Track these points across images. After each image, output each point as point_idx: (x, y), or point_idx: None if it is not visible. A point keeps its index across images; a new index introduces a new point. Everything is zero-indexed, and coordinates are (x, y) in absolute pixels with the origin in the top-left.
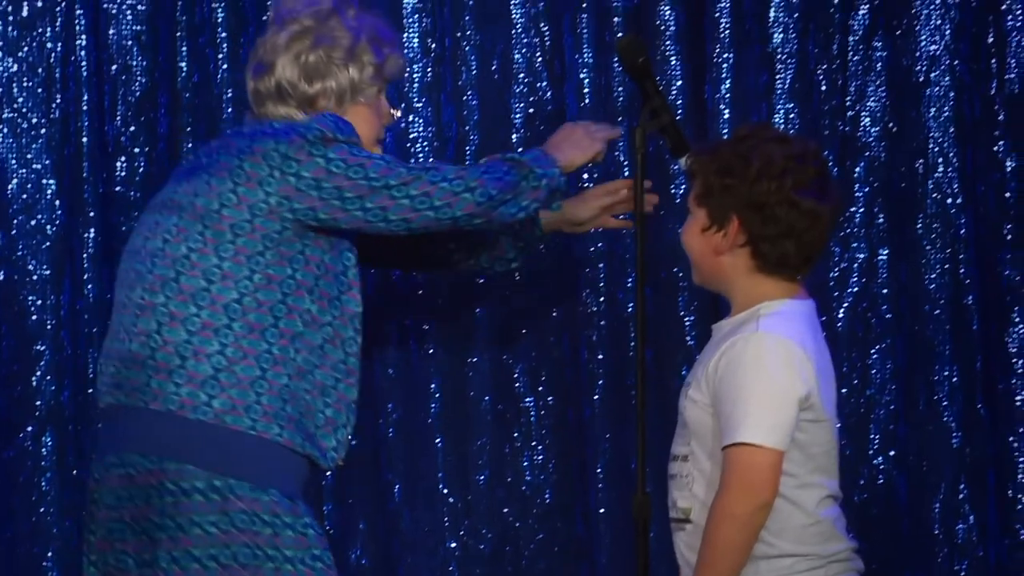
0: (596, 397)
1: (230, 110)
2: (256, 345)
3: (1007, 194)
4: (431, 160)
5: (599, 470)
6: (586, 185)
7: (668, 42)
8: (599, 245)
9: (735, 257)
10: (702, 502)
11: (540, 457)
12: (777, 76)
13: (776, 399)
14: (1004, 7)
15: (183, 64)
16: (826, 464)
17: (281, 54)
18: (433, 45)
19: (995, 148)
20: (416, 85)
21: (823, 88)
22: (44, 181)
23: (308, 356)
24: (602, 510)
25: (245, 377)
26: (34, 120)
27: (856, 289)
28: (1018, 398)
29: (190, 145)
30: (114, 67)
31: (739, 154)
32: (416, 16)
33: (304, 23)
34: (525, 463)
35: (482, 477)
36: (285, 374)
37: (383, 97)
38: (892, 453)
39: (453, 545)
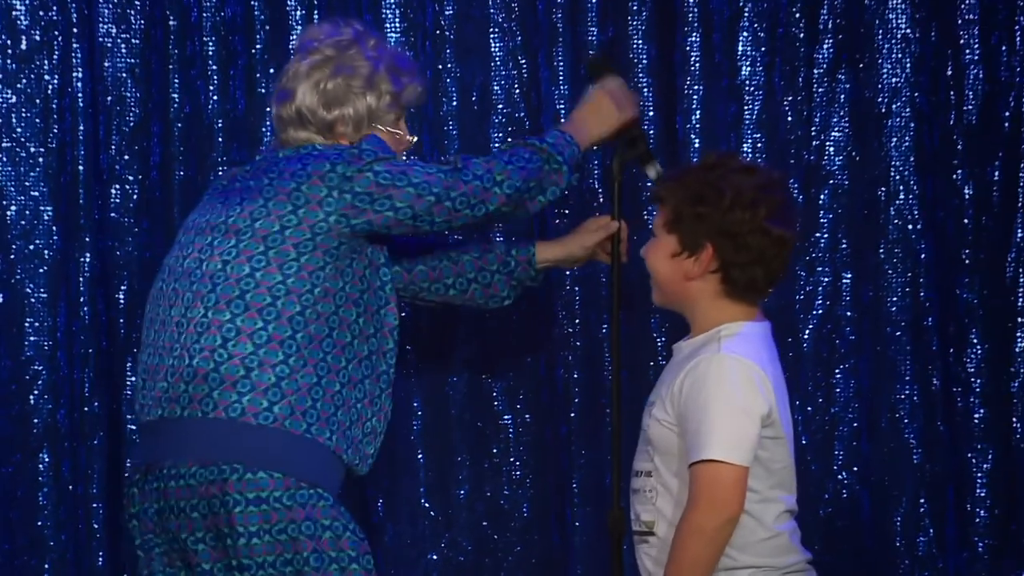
0: (572, 415)
1: (220, 139)
2: (315, 354)
3: (965, 220)
4: (456, 155)
5: (575, 485)
6: (561, 222)
7: (641, 74)
8: (575, 269)
9: (704, 282)
10: (666, 516)
11: (518, 473)
12: (745, 107)
13: (739, 417)
14: (962, 42)
15: (175, 96)
16: (785, 479)
17: (302, 81)
18: None
19: (954, 176)
20: None
21: (789, 119)
22: (41, 207)
23: (357, 366)
24: (577, 523)
25: (304, 384)
26: (32, 149)
27: (821, 311)
28: (976, 416)
29: (182, 173)
30: (109, 98)
31: (710, 183)
32: (400, 49)
33: (325, 52)
34: (503, 478)
35: (462, 492)
36: (338, 382)
37: (401, 123)
38: (856, 469)
39: (434, 557)
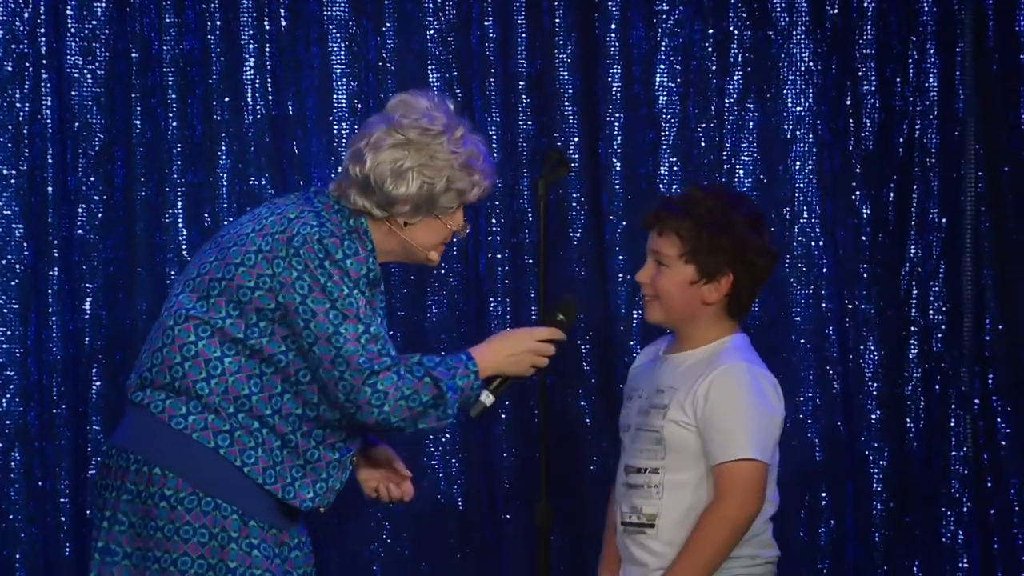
0: (503, 416)
1: (179, 163)
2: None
3: (863, 238)
4: (389, 355)
5: (506, 483)
6: (493, 239)
7: (567, 103)
8: (506, 282)
9: (715, 304)
10: (674, 510)
11: (455, 470)
12: (662, 134)
13: (768, 420)
14: (860, 74)
15: (137, 122)
16: (775, 478)
17: (379, 153)
18: (359, 106)
19: (853, 197)
20: (344, 141)
21: (702, 144)
22: (13, 226)
23: (300, 415)
24: (507, 516)
25: (230, 412)
26: (4, 172)
27: None
28: (873, 417)
29: (143, 194)
30: (76, 124)
31: (720, 213)
32: (344, 80)
33: (410, 136)
34: (441, 474)
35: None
36: (271, 425)
37: (458, 214)
38: None
39: (375, 546)
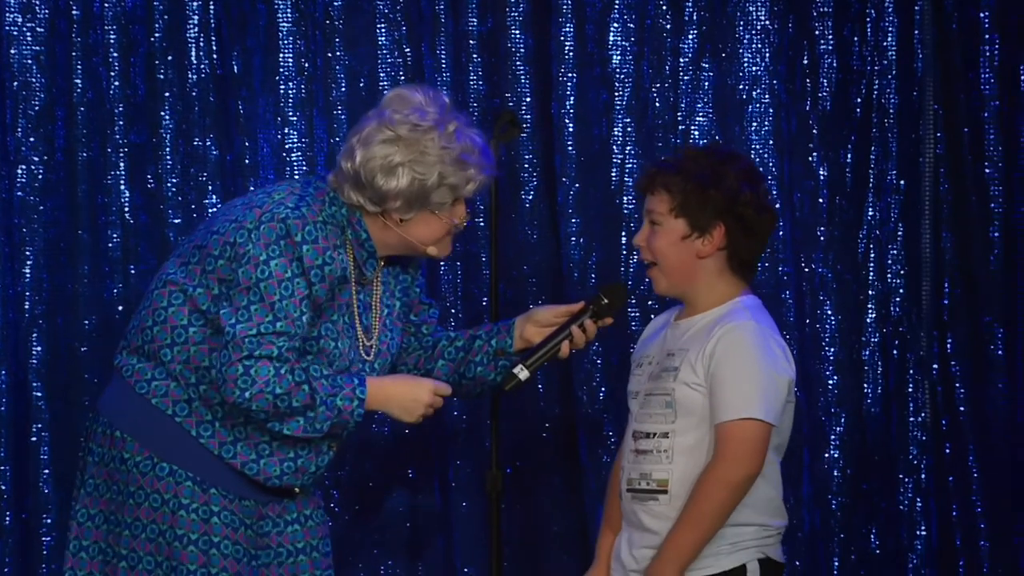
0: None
1: (121, 123)
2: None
3: (820, 200)
4: (279, 349)
5: (456, 449)
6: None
7: (518, 63)
8: (457, 246)
9: (711, 260)
10: (684, 474)
11: (403, 435)
12: (616, 94)
13: (774, 379)
14: (817, 33)
15: (78, 82)
16: (784, 444)
17: (369, 148)
18: (306, 65)
19: (810, 159)
20: (291, 101)
21: (657, 105)
22: None
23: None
24: (453, 484)
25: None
26: None
27: None
28: (830, 383)
29: (85, 155)
30: (15, 84)
31: (711, 167)
32: (290, 39)
33: (400, 132)
34: (390, 439)
35: (348, 454)
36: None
37: (457, 207)
38: None
39: (319, 512)
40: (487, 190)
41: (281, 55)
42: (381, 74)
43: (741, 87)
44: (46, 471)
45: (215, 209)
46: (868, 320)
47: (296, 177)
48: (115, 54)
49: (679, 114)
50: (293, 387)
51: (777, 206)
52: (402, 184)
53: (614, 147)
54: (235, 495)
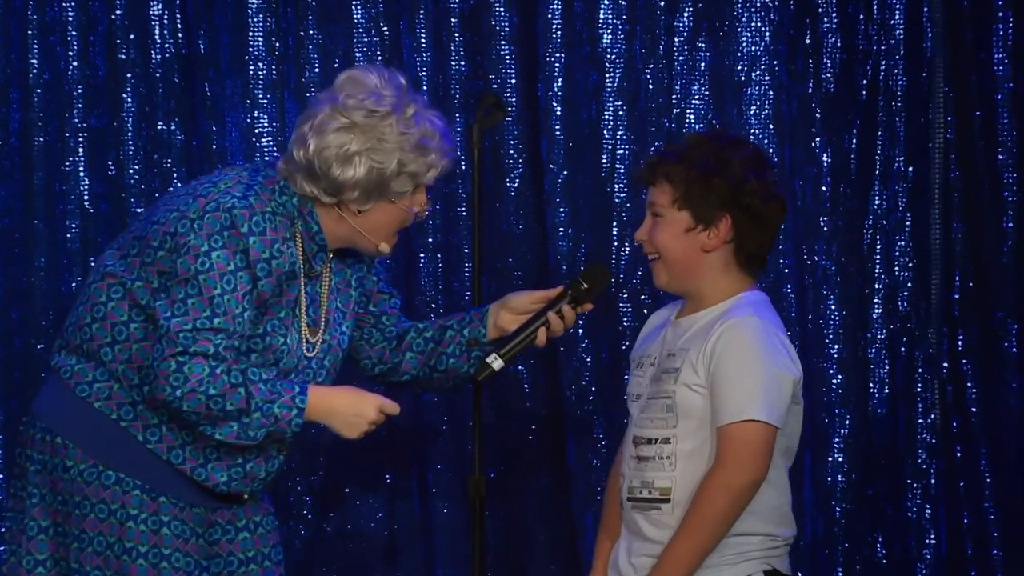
0: None
1: (80, 106)
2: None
3: (823, 188)
4: (216, 347)
5: (437, 453)
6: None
7: (503, 43)
8: (437, 236)
9: (718, 253)
10: (686, 481)
11: (382, 438)
12: (606, 75)
13: (777, 379)
14: (820, 10)
15: (34, 61)
16: (792, 448)
17: (323, 137)
18: (277, 44)
19: (812, 144)
20: (261, 83)
21: (650, 87)
22: None
23: None
24: (434, 489)
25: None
26: None
27: None
28: (834, 382)
29: (41, 139)
30: None
31: (716, 156)
32: (261, 16)
33: (354, 118)
34: (367, 443)
35: (323, 459)
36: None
37: (417, 196)
38: None
39: (295, 524)
40: (468, 177)
41: (250, 33)
42: (357, 54)
43: (739, 68)
44: (0, 475)
45: (161, 196)
46: (874, 315)
47: (243, 164)
48: (74, 32)
49: (673, 97)
50: (228, 389)
51: None
52: (359, 174)
53: (604, 132)
54: (185, 503)
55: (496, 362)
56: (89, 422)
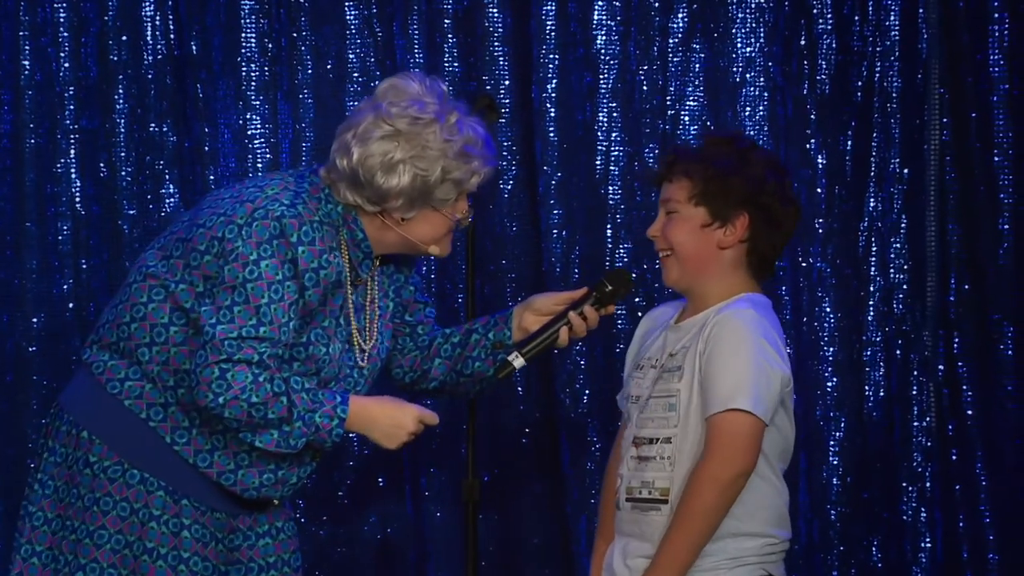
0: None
1: (72, 107)
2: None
3: (818, 190)
4: (261, 356)
5: (430, 456)
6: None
7: (496, 43)
8: None
9: (731, 252)
10: (682, 482)
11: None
12: (600, 77)
13: (766, 372)
14: (815, 11)
15: (26, 63)
16: (788, 450)
17: (367, 145)
18: (270, 45)
19: (807, 146)
20: (254, 84)
21: (644, 88)
22: None
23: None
24: (427, 493)
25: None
26: None
27: None
28: (829, 384)
29: (32, 141)
30: None
31: (736, 154)
32: (253, 17)
33: (398, 126)
34: (357, 446)
35: (317, 461)
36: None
37: (459, 204)
38: None
39: (290, 524)
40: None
41: (243, 34)
42: (350, 55)
43: (734, 69)
44: None
45: (202, 198)
46: (869, 318)
47: (287, 170)
48: (65, 33)
49: (668, 98)
50: (270, 397)
51: None
52: (404, 182)
53: (598, 133)
54: (207, 507)
55: (517, 360)
56: (117, 419)
